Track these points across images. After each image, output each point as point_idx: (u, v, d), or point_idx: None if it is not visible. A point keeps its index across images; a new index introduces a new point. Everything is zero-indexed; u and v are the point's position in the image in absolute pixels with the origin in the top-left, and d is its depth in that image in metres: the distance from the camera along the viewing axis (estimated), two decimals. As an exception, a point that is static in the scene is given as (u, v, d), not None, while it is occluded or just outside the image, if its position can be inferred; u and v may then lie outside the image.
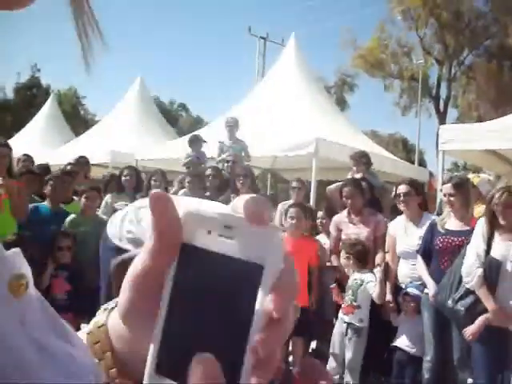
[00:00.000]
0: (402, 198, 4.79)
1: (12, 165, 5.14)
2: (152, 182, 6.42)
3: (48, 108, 21.18)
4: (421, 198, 4.87)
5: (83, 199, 5.35)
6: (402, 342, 4.59)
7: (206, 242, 0.42)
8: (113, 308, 0.55)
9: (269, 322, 0.40)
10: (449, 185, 4.41)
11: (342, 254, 4.95)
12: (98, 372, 0.49)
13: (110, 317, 0.55)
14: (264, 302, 0.40)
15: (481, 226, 3.95)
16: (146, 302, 0.44)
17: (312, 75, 13.03)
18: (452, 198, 4.35)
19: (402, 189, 4.82)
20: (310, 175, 8.83)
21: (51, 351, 0.44)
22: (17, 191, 4.87)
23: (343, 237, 5.23)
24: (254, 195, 0.43)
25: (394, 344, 4.63)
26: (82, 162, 7.33)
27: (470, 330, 3.88)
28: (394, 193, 5.66)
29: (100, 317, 0.56)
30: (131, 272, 0.45)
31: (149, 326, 0.43)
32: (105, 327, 0.54)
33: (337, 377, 4.78)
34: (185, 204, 0.45)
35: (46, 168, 6.67)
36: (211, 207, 0.45)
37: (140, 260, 0.45)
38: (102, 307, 0.58)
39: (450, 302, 3.96)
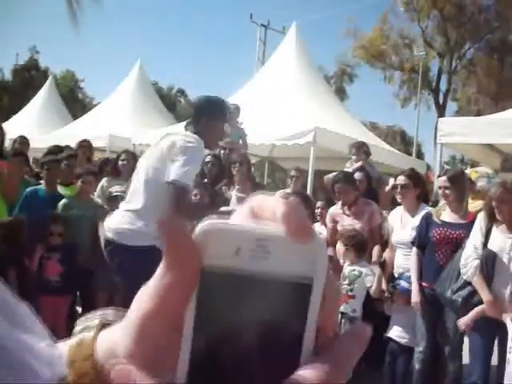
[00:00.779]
0: (399, 190, 4.80)
1: (3, 146, 5.10)
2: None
3: (46, 90, 21.08)
4: (419, 189, 4.86)
5: (79, 183, 5.35)
6: (394, 332, 4.62)
7: (234, 264, 0.35)
8: (101, 326, 0.43)
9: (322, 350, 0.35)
10: (444, 177, 4.41)
11: (340, 244, 4.94)
12: (55, 362, 0.40)
13: (100, 343, 0.42)
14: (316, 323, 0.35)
15: (479, 220, 3.99)
16: (153, 346, 0.37)
17: (312, 64, 12.98)
18: (447, 191, 4.34)
19: (401, 180, 4.81)
20: (308, 164, 8.82)
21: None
22: (7, 173, 4.85)
23: (339, 228, 5.23)
24: (286, 199, 0.36)
25: (387, 334, 4.65)
26: (85, 146, 7.27)
27: (463, 320, 3.93)
28: (391, 183, 5.69)
29: (83, 338, 0.43)
30: (137, 309, 0.37)
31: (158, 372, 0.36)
32: (92, 359, 0.41)
33: None
34: (206, 221, 0.38)
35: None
36: (237, 221, 0.38)
37: (149, 296, 0.37)
38: (81, 323, 0.46)
39: (448, 293, 4.00)
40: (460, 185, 4.38)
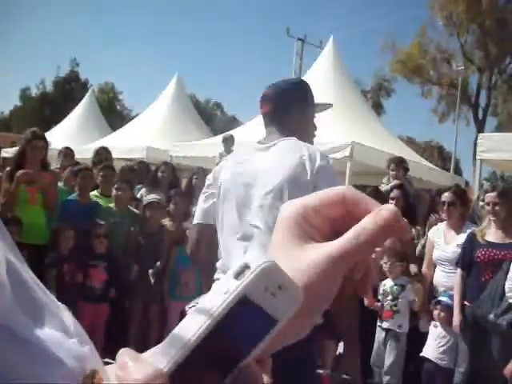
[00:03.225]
0: (445, 207, 4.69)
1: (47, 157, 5.22)
2: (159, 174, 6.45)
3: (86, 102, 21.55)
4: (465, 207, 4.76)
5: (114, 191, 5.44)
6: (433, 352, 4.51)
7: (261, 300, 0.42)
8: None
9: None
10: (493, 193, 4.24)
11: (384, 259, 4.86)
12: (84, 356, 0.42)
13: None
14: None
15: None
16: None
17: (349, 79, 12.96)
18: (497, 207, 4.19)
19: (447, 197, 4.70)
20: (344, 179, 8.79)
21: (22, 337, 0.38)
22: (49, 185, 4.98)
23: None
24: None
25: (423, 354, 4.56)
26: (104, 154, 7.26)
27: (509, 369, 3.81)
28: (429, 198, 5.62)
29: None
30: None
31: None
32: None
33: (385, 379, 4.74)
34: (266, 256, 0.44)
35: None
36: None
37: None
38: None
39: (492, 316, 3.89)
40: (510, 201, 4.23)
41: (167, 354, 0.40)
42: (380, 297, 4.80)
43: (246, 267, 0.43)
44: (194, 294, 5.08)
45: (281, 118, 2.49)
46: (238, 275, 0.43)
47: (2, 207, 4.91)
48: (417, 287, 4.74)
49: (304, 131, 2.56)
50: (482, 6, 27.34)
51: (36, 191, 4.91)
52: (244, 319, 0.41)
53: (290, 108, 2.51)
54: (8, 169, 5.02)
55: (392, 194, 5.26)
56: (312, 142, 2.69)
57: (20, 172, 4.80)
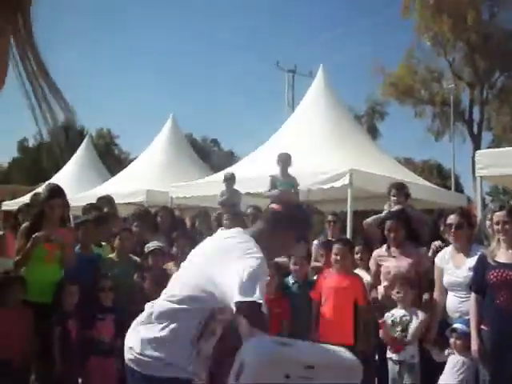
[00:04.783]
0: (453, 230, 4.63)
1: (66, 213, 5.17)
2: (197, 223, 6.47)
3: (83, 149, 21.66)
4: (472, 229, 4.71)
5: (117, 240, 5.40)
6: (449, 380, 4.40)
7: None
8: None
9: None
10: (503, 212, 4.20)
11: (396, 288, 4.79)
12: None
13: None
14: None
15: None
16: None
17: (342, 105, 13.02)
18: (507, 226, 4.15)
19: (454, 220, 4.63)
20: (345, 205, 8.76)
21: None
22: (68, 243, 4.93)
23: (383, 270, 5.13)
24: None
25: (441, 383, 4.45)
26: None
27: None
28: (431, 222, 5.55)
29: None
30: None
31: None
32: None
33: None
34: (264, 347, 0.40)
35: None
36: (292, 347, 0.41)
37: None
38: None
39: None
40: None
41: None
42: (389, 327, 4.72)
43: (242, 365, 0.40)
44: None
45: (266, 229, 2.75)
46: (237, 376, 0.40)
47: (15, 264, 4.85)
48: (425, 317, 4.66)
49: (273, 246, 2.73)
50: (466, 23, 27.68)
51: (55, 249, 4.86)
52: None
53: (279, 229, 2.74)
54: (24, 225, 4.96)
55: (387, 226, 5.19)
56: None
57: (39, 234, 4.73)
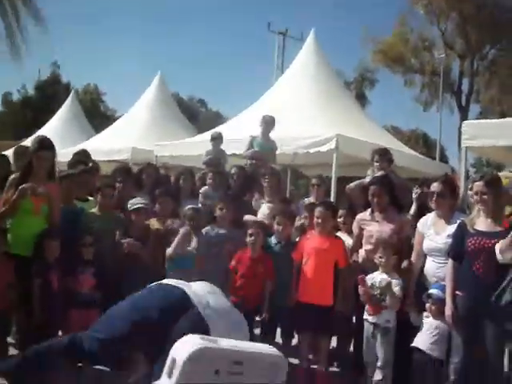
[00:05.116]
0: (435, 198, 4.65)
1: (54, 167, 5.09)
2: (181, 182, 6.44)
3: (68, 104, 21.41)
4: (455, 196, 4.74)
5: (99, 196, 5.38)
6: (424, 343, 4.48)
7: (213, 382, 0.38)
8: None
9: None
10: (481, 182, 4.20)
11: (379, 252, 4.83)
12: None
13: None
14: None
15: None
16: None
17: (332, 71, 12.92)
18: (484, 196, 4.16)
19: (437, 188, 4.65)
20: (331, 171, 8.78)
21: None
22: (55, 197, 4.87)
23: (365, 234, 5.17)
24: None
25: (414, 345, 4.54)
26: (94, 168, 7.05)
27: None
28: (416, 190, 5.57)
29: None
30: None
31: None
32: None
33: (377, 378, 4.73)
34: (191, 342, 0.40)
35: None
36: (221, 343, 0.41)
37: None
38: None
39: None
40: (497, 190, 4.20)
41: None
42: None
43: (173, 361, 0.40)
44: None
45: None
46: (170, 373, 0.40)
47: (0, 216, 4.75)
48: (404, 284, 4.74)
49: None
50: (461, -7, 27.42)
51: (41, 202, 4.80)
52: None
53: None
54: (13, 177, 4.88)
55: (370, 191, 5.21)
56: None
57: (25, 185, 4.66)
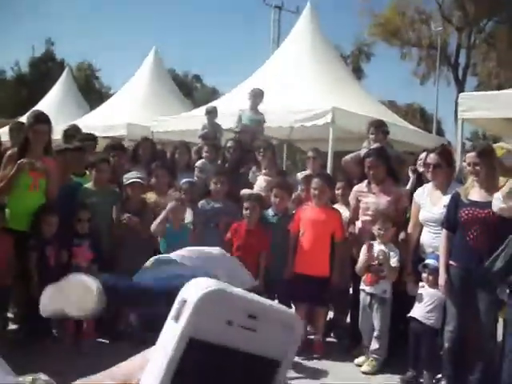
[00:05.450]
0: (431, 169, 4.67)
1: (50, 141, 5.06)
2: (176, 155, 6.43)
3: (63, 81, 21.19)
4: (451, 168, 4.75)
5: (94, 171, 5.37)
6: (419, 312, 4.55)
7: (224, 336, 0.37)
8: None
9: None
10: (473, 153, 4.21)
11: (378, 224, 4.85)
12: None
13: None
14: None
15: None
16: None
17: (328, 44, 12.79)
18: (477, 167, 4.17)
19: (433, 159, 4.66)
20: (327, 145, 8.75)
21: None
22: (52, 171, 4.86)
23: (362, 205, 5.19)
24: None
25: (411, 315, 4.60)
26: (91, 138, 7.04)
27: None
28: (417, 161, 5.56)
29: None
30: None
31: None
32: None
33: (374, 347, 4.79)
34: (205, 283, 0.39)
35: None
36: (236, 292, 0.40)
37: None
38: None
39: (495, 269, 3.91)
40: (490, 160, 4.20)
41: None
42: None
43: (183, 303, 0.38)
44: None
45: None
46: (177, 316, 0.38)
47: None
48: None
49: None
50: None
51: (39, 177, 4.80)
52: (214, 367, 0.37)
53: None
54: (9, 152, 4.86)
55: (367, 163, 5.20)
56: None
57: (23, 161, 4.65)
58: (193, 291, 0.38)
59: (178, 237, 5.12)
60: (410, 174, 5.59)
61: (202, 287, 0.38)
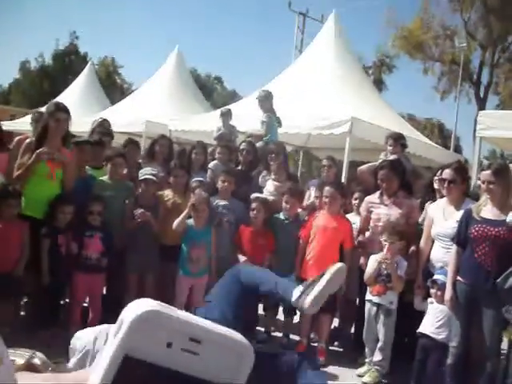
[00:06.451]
0: (446, 185, 4.67)
1: (69, 133, 5.12)
2: (193, 155, 6.46)
3: (85, 75, 21.40)
4: (465, 185, 4.76)
5: (109, 165, 5.43)
6: (429, 328, 4.52)
7: (162, 357, 0.34)
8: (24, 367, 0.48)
9: None
10: (488, 171, 4.20)
11: (384, 236, 4.86)
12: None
13: None
14: None
15: None
16: None
17: (351, 54, 12.79)
18: (491, 186, 4.16)
19: (448, 175, 4.67)
20: (343, 155, 8.75)
21: None
22: (69, 162, 4.92)
23: (373, 217, 5.19)
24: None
25: (420, 330, 4.57)
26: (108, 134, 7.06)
27: None
28: (435, 177, 5.55)
29: None
30: None
31: None
32: None
33: (377, 358, 4.79)
34: (145, 304, 0.38)
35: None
36: (179, 315, 0.38)
37: None
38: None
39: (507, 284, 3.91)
40: (505, 179, 4.18)
41: None
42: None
43: (121, 321, 0.37)
44: (205, 269, 5.19)
45: None
46: (115, 334, 0.37)
47: (16, 178, 4.78)
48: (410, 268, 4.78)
49: None
50: (486, -18, 26.93)
51: (56, 167, 4.86)
52: None
53: None
54: (28, 141, 4.91)
55: (380, 175, 5.21)
56: None
57: (42, 150, 4.71)
58: (131, 311, 0.37)
59: (201, 235, 5.18)
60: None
61: (140, 308, 0.37)
